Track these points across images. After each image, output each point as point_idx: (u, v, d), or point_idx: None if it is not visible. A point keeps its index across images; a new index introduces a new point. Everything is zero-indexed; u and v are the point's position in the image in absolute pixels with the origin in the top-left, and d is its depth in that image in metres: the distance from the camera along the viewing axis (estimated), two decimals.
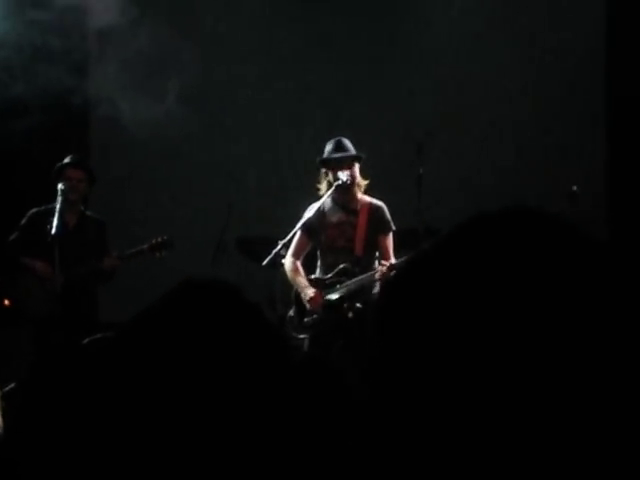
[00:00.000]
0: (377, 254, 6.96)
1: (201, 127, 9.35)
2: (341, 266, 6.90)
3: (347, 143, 6.97)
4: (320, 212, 6.96)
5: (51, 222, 7.06)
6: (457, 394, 0.88)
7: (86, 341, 3.30)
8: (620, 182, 9.14)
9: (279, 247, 6.82)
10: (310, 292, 6.89)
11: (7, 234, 7.51)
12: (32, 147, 8.76)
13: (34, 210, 7.48)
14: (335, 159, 6.89)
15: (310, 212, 6.97)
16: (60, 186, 7.21)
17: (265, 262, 6.78)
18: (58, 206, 7.11)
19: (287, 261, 7.02)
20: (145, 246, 7.35)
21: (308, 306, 6.86)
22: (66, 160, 7.41)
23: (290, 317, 6.94)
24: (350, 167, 6.90)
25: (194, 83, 9.23)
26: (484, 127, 9.24)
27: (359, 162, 6.97)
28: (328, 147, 6.98)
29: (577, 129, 9.22)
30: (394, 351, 0.92)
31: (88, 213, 7.55)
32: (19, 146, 8.78)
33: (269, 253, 6.83)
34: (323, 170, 6.99)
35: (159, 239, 7.38)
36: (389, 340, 0.93)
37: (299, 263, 7.06)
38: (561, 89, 9.24)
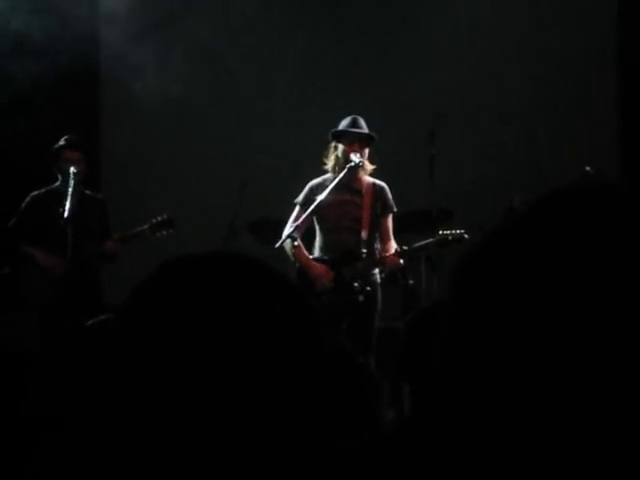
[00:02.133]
0: (377, 235, 6.92)
1: (214, 107, 9.33)
2: (346, 249, 6.82)
3: (363, 123, 6.95)
4: (322, 189, 6.86)
5: (57, 205, 7.04)
6: (533, 376, 0.85)
7: (89, 323, 3.30)
8: (634, 163, 9.08)
9: (291, 230, 6.80)
10: (318, 270, 6.85)
11: (9, 213, 7.42)
12: (40, 121, 8.66)
13: (34, 193, 7.39)
14: (351, 133, 6.86)
15: (311, 189, 6.94)
16: (72, 169, 7.16)
17: (277, 245, 6.77)
18: (70, 190, 7.07)
19: (285, 237, 6.90)
20: (145, 226, 7.27)
21: (318, 283, 6.78)
22: (61, 142, 7.31)
23: None
24: (362, 147, 6.87)
25: (204, 62, 9.23)
26: (496, 109, 9.20)
27: (370, 145, 6.93)
28: (344, 122, 6.95)
29: (590, 109, 9.17)
30: (469, 327, 0.90)
31: (87, 192, 7.44)
32: (27, 121, 8.69)
33: (281, 235, 6.82)
34: (333, 144, 6.95)
35: (159, 218, 7.30)
36: (464, 315, 0.91)
37: (299, 241, 6.95)
38: (574, 70, 9.18)
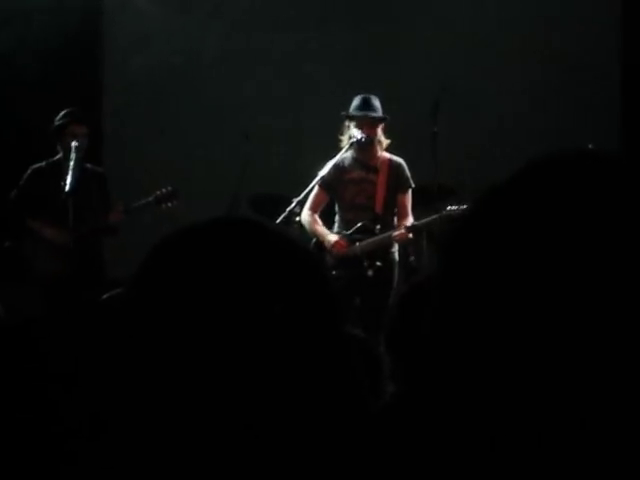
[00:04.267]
0: (395, 212, 6.97)
1: (219, 79, 9.30)
2: (360, 223, 6.91)
3: (374, 102, 6.96)
4: (339, 168, 6.96)
5: (58, 178, 7.00)
6: (520, 344, 0.84)
7: (105, 297, 3.30)
8: (637, 140, 9.06)
9: (293, 205, 6.82)
10: (333, 238, 6.90)
11: (8, 185, 7.35)
12: (40, 93, 8.61)
13: (35, 166, 7.31)
14: (358, 117, 6.89)
15: (328, 167, 6.95)
16: (74, 143, 7.10)
17: (279, 220, 6.77)
18: (72, 163, 7.01)
19: (304, 214, 7.02)
20: (151, 198, 7.23)
21: (334, 252, 6.82)
22: (66, 117, 7.21)
23: None
24: (373, 126, 6.89)
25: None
26: (500, 85, 9.16)
27: (383, 122, 6.96)
28: (355, 102, 6.97)
29: (592, 87, 9.14)
30: (456, 301, 0.89)
31: (88, 166, 7.35)
32: (25, 104, 8.65)
33: (283, 211, 6.82)
34: (346, 123, 6.98)
35: (163, 190, 7.25)
36: (452, 289, 0.90)
37: (317, 216, 7.07)
38: (577, 47, 9.14)
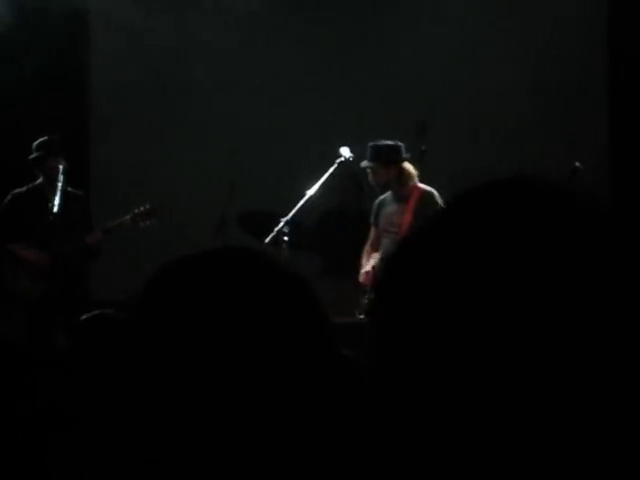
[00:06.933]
0: None
1: (206, 96, 9.30)
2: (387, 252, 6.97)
3: (371, 150, 7.12)
4: (379, 204, 7.29)
5: (40, 202, 6.98)
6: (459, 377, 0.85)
7: (84, 318, 3.29)
8: (624, 157, 9.09)
9: (281, 225, 6.81)
10: (363, 270, 7.14)
11: None
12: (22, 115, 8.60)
13: (16, 191, 7.28)
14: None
15: (375, 204, 7.30)
16: (62, 165, 7.09)
17: (267, 240, 6.76)
18: (60, 185, 7.00)
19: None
20: (127, 217, 7.19)
21: (362, 282, 7.10)
22: (44, 149, 7.16)
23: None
24: (376, 174, 7.14)
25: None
26: (486, 104, 9.19)
27: (388, 165, 7.10)
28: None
29: (580, 104, 9.17)
30: (395, 332, 0.90)
31: (69, 189, 7.28)
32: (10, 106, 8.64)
33: (271, 229, 6.80)
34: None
35: (142, 208, 7.18)
36: (391, 320, 0.91)
37: (368, 249, 7.30)
38: (563, 64, 9.18)
